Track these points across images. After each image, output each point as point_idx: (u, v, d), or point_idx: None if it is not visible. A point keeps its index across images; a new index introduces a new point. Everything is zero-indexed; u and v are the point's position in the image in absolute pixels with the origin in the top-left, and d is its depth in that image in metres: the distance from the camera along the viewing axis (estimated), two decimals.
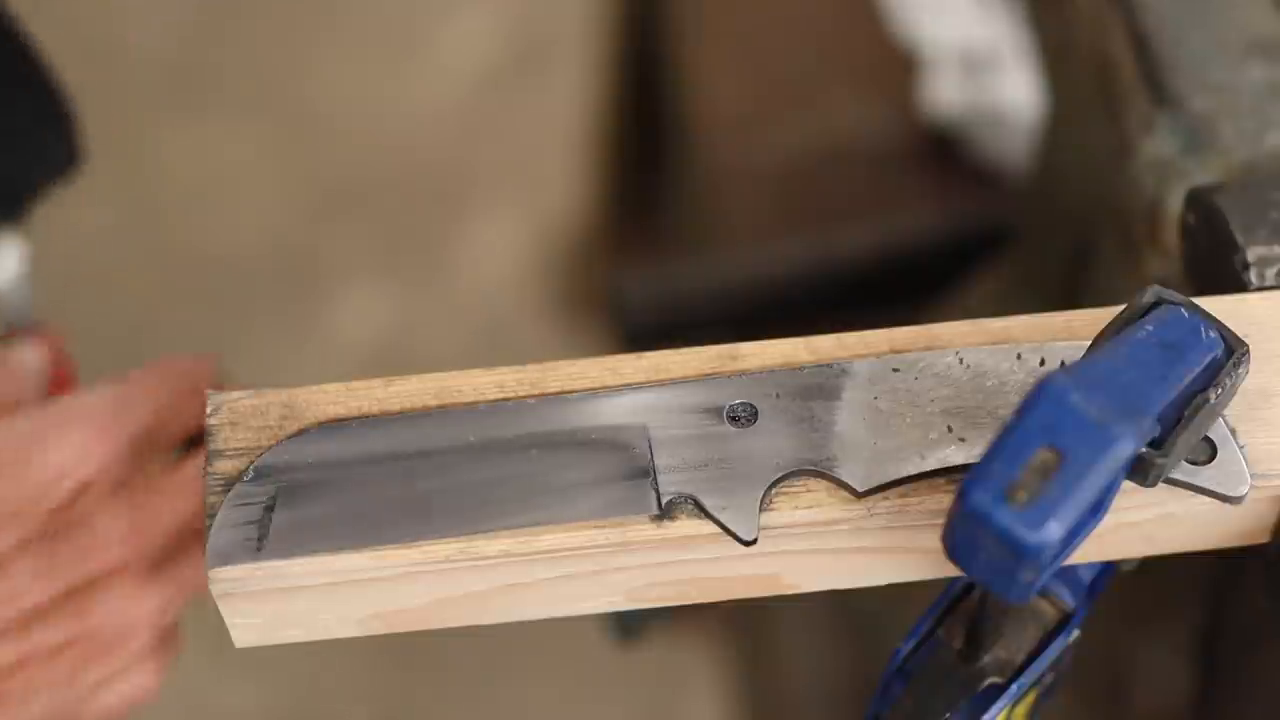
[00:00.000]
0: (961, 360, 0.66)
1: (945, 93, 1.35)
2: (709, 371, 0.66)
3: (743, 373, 0.66)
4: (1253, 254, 0.72)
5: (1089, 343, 0.63)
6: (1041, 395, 0.57)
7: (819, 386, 0.66)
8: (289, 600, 0.63)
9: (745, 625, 1.42)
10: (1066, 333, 0.67)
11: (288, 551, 0.63)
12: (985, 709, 0.68)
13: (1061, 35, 0.93)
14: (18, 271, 0.95)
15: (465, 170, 2.01)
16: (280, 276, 1.94)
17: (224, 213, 1.96)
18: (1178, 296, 0.63)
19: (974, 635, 0.68)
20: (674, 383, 0.66)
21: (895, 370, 0.66)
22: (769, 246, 1.37)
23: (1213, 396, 0.62)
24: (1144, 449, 0.60)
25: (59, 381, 0.96)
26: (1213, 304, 0.65)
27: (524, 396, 0.66)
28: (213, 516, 0.63)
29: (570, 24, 1.99)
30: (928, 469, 0.64)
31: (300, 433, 0.65)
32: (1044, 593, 0.70)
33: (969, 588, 0.68)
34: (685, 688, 1.71)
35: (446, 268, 1.95)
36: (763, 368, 0.66)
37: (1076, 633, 0.70)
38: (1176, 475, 0.63)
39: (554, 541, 0.63)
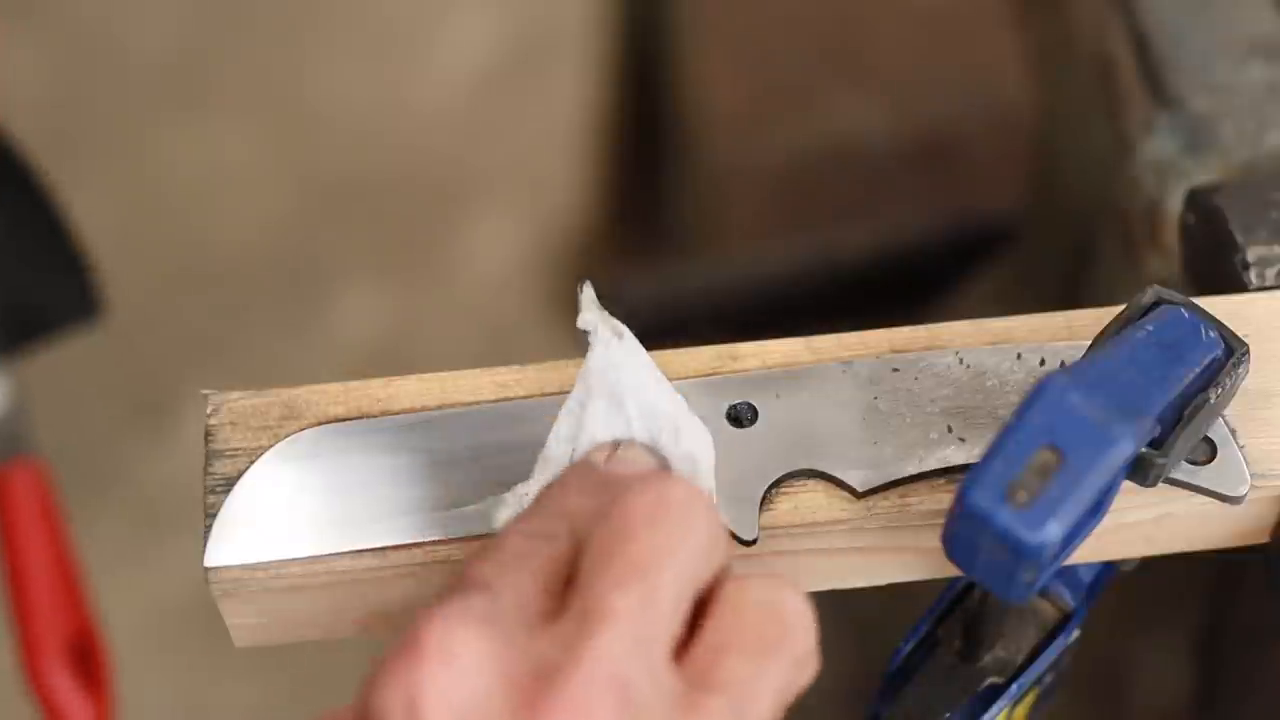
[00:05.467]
0: (961, 360, 0.66)
1: None
2: (709, 371, 0.66)
3: (743, 373, 0.66)
4: (1253, 254, 0.72)
5: (1089, 343, 0.63)
6: (1041, 395, 0.57)
7: (819, 387, 0.65)
8: (289, 600, 0.63)
9: None
10: (1066, 333, 0.67)
11: (288, 551, 0.63)
12: (985, 709, 0.68)
13: (1061, 35, 0.93)
14: (9, 404, 0.98)
15: (465, 170, 2.00)
16: (280, 276, 1.94)
17: (224, 212, 1.96)
18: (1178, 296, 0.63)
19: (974, 635, 0.68)
20: (674, 382, 0.66)
21: (895, 370, 0.66)
22: (769, 247, 1.37)
23: (1213, 396, 0.62)
24: (1144, 449, 0.60)
25: (44, 509, 0.99)
26: (1213, 304, 0.65)
27: (524, 396, 0.66)
28: (213, 516, 0.63)
29: (570, 24, 1.99)
30: (928, 469, 0.64)
31: (300, 433, 0.65)
32: (1044, 593, 0.70)
33: (969, 588, 0.68)
34: None
35: (446, 268, 1.95)
36: (763, 368, 0.66)
37: (1076, 633, 0.70)
38: (1176, 475, 0.63)
39: None
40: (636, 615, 0.53)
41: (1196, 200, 0.75)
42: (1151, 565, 0.69)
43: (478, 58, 2.05)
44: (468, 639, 0.52)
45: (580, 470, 0.59)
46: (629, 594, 0.53)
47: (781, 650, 0.55)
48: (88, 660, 1.00)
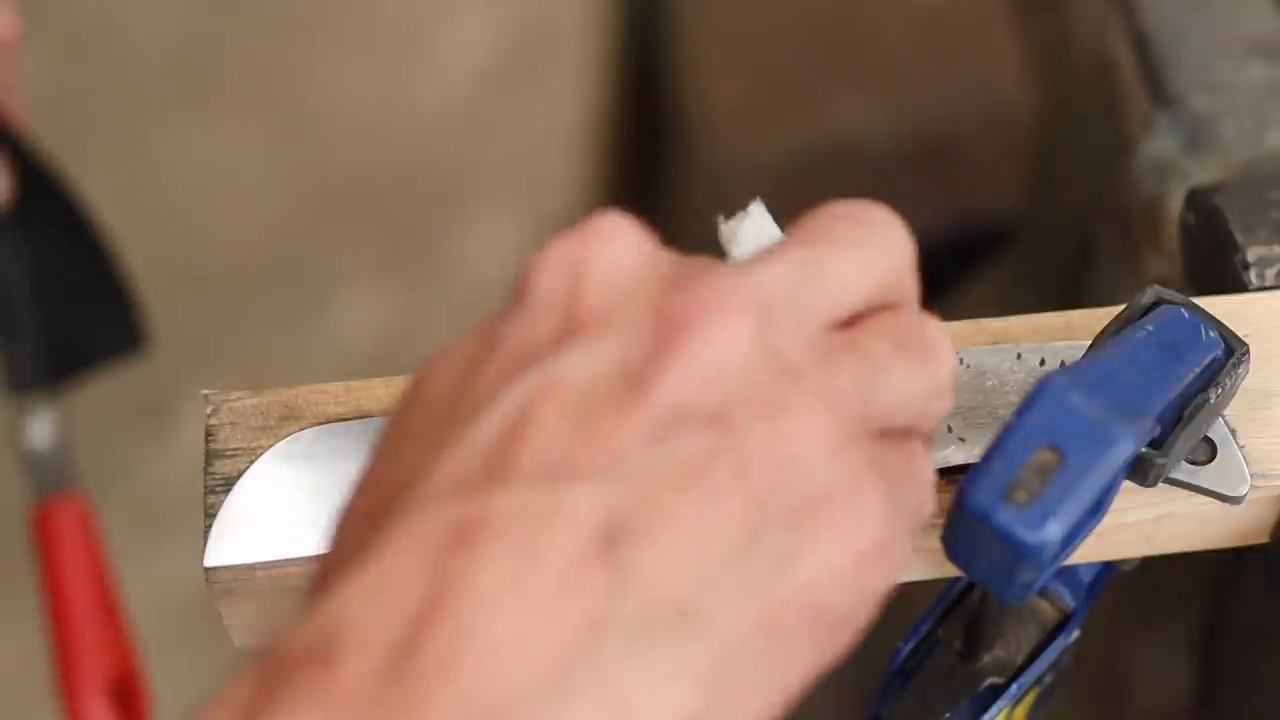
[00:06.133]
0: (961, 360, 0.66)
1: None
2: None
3: None
4: (1253, 254, 0.72)
5: (1089, 343, 0.63)
6: (1041, 395, 0.57)
7: None
8: (289, 600, 0.63)
9: None
10: (1066, 333, 0.67)
11: (287, 551, 0.63)
12: (985, 709, 0.68)
13: (1061, 35, 0.94)
14: (54, 439, 0.99)
15: (465, 170, 2.01)
16: (280, 275, 1.94)
17: (224, 211, 1.97)
18: (1178, 296, 0.63)
19: (974, 635, 0.68)
20: None
21: None
22: None
23: (1213, 396, 0.62)
24: (1144, 449, 0.60)
25: (89, 545, 0.99)
26: (1213, 304, 0.65)
27: None
28: (212, 516, 0.63)
29: (570, 23, 1.99)
30: None
31: (300, 433, 0.65)
32: (1044, 593, 0.70)
33: (969, 588, 0.68)
34: None
35: (447, 267, 1.95)
36: None
37: (1076, 633, 0.70)
38: (1176, 475, 0.63)
39: None
40: (808, 268, 0.53)
41: (1196, 200, 0.75)
42: (1151, 565, 0.69)
43: (478, 57, 2.05)
44: (631, 228, 0.54)
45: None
46: (804, 250, 0.54)
47: (920, 357, 0.55)
48: (128, 699, 0.99)
